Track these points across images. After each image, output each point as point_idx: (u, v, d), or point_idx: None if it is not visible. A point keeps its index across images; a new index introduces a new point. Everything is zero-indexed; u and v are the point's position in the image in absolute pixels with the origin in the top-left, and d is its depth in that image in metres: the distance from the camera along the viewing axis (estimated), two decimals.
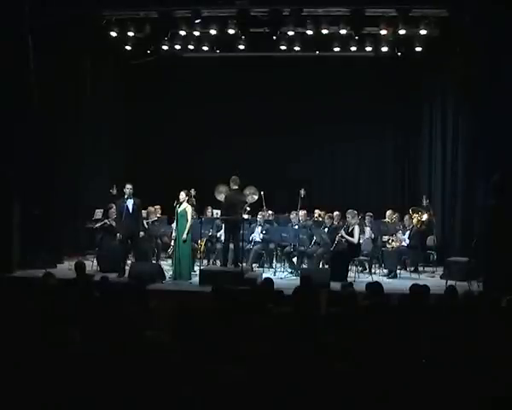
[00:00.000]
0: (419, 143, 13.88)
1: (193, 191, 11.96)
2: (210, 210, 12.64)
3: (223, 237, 11.45)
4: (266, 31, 11.56)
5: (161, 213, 12.29)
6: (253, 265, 11.45)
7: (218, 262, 11.71)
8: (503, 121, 9.85)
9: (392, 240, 11.48)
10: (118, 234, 10.48)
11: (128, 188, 10.29)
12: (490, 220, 9.68)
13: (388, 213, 12.23)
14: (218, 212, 12.46)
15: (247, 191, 11.98)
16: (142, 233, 10.80)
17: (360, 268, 11.34)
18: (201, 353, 3.62)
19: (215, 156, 14.12)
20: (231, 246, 10.56)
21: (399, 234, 11.43)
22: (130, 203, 10.28)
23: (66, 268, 10.47)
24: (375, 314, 4.83)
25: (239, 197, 10.48)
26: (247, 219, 10.86)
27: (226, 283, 6.89)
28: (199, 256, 11.26)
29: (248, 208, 11.41)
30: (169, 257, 11.42)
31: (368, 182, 14.44)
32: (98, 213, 12.08)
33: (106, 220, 11.79)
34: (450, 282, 9.42)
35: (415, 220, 11.61)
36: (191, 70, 13.78)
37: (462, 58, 11.40)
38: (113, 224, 11.34)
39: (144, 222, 11.47)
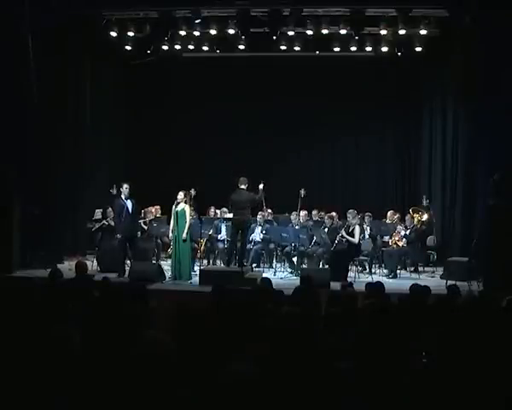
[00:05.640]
0: (419, 143, 13.87)
1: (193, 191, 11.94)
2: (213, 210, 12.63)
3: (220, 237, 11.46)
4: (266, 31, 11.56)
5: (161, 213, 12.28)
6: (253, 265, 11.45)
7: (218, 262, 11.71)
8: (502, 121, 9.86)
9: (397, 236, 11.43)
10: (117, 234, 10.47)
11: (125, 187, 10.27)
12: (490, 220, 9.69)
13: (389, 213, 12.22)
14: (218, 211, 12.47)
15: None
16: (139, 233, 10.81)
17: (360, 268, 11.34)
18: (201, 353, 3.62)
19: (215, 156, 14.12)
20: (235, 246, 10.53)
21: (402, 232, 11.41)
22: (129, 204, 10.27)
23: (66, 268, 10.46)
24: (375, 314, 4.83)
25: (246, 198, 10.39)
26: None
27: (226, 283, 6.88)
28: (199, 256, 11.26)
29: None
30: (169, 257, 11.42)
31: (368, 182, 14.43)
32: (98, 213, 12.10)
33: (104, 221, 11.80)
34: (450, 282, 9.41)
35: (415, 220, 11.62)
36: (191, 70, 13.78)
37: (462, 58, 11.42)
38: (112, 223, 11.33)
39: (141, 222, 11.46)
